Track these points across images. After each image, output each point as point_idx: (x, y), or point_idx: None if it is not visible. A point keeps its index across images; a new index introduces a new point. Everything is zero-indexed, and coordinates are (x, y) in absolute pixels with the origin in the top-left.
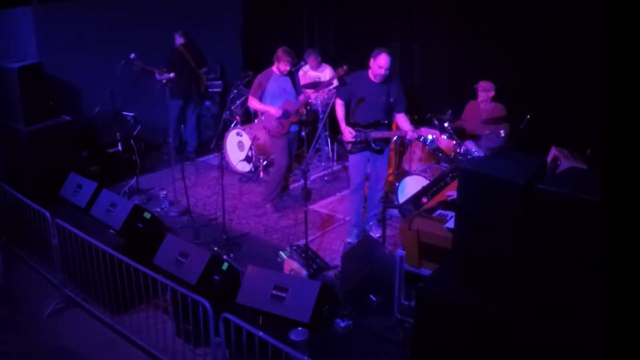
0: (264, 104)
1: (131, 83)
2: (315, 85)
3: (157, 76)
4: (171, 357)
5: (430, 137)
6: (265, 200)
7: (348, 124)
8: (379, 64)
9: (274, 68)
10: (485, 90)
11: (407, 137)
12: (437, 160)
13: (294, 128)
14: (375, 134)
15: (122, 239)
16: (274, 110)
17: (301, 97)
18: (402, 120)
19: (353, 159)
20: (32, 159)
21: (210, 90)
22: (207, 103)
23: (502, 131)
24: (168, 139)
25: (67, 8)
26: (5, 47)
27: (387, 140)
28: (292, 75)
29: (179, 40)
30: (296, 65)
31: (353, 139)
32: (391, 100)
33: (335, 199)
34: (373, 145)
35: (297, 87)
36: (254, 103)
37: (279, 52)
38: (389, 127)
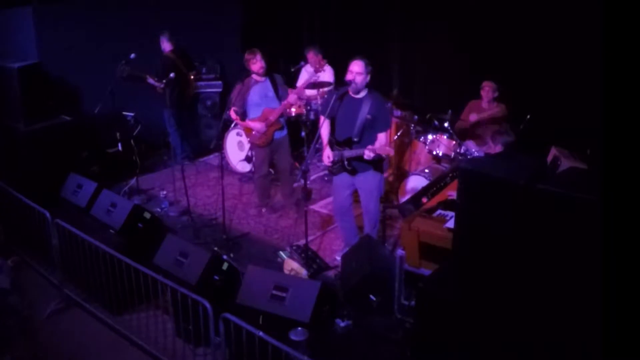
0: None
1: (131, 83)
2: (315, 85)
3: (150, 81)
4: (171, 357)
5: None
6: (260, 206)
7: (329, 142)
8: (349, 68)
9: (253, 75)
10: (493, 90)
11: (364, 156)
12: (437, 160)
13: (278, 135)
14: (348, 153)
15: (122, 239)
16: (259, 126)
17: (288, 100)
18: (378, 140)
19: (334, 180)
20: (32, 159)
21: (210, 90)
22: (207, 103)
23: (510, 132)
24: (174, 150)
25: (67, 8)
26: (5, 47)
27: (360, 160)
28: (274, 78)
29: (168, 46)
30: (295, 66)
31: (331, 159)
32: (368, 117)
33: None
34: (346, 164)
35: (279, 91)
36: (233, 117)
37: (245, 56)
38: (364, 146)
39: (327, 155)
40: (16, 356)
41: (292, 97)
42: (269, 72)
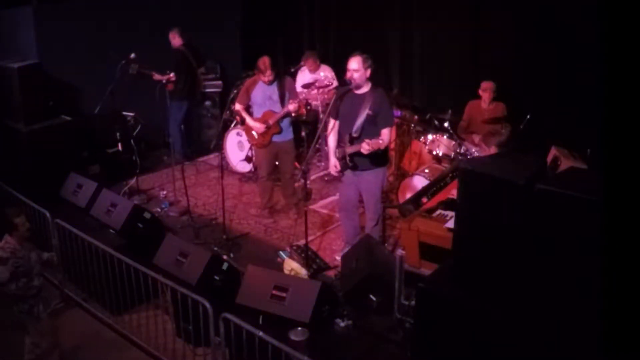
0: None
1: (131, 83)
2: (314, 85)
3: (157, 76)
4: (171, 357)
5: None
6: (261, 207)
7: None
8: (347, 66)
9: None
10: (493, 91)
11: (362, 151)
12: (437, 160)
13: (278, 138)
14: (349, 149)
15: (122, 239)
16: (257, 127)
17: (287, 107)
18: (380, 136)
19: (343, 178)
20: (32, 159)
21: (210, 90)
22: (207, 103)
23: (502, 131)
24: (173, 146)
25: (67, 8)
26: (5, 47)
27: (361, 156)
28: (283, 82)
29: (178, 40)
30: (295, 66)
31: (338, 168)
32: (369, 112)
33: (335, 199)
34: (348, 160)
35: (285, 95)
36: (241, 113)
37: (258, 63)
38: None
39: (334, 164)
40: None
41: (291, 105)
42: (279, 76)
